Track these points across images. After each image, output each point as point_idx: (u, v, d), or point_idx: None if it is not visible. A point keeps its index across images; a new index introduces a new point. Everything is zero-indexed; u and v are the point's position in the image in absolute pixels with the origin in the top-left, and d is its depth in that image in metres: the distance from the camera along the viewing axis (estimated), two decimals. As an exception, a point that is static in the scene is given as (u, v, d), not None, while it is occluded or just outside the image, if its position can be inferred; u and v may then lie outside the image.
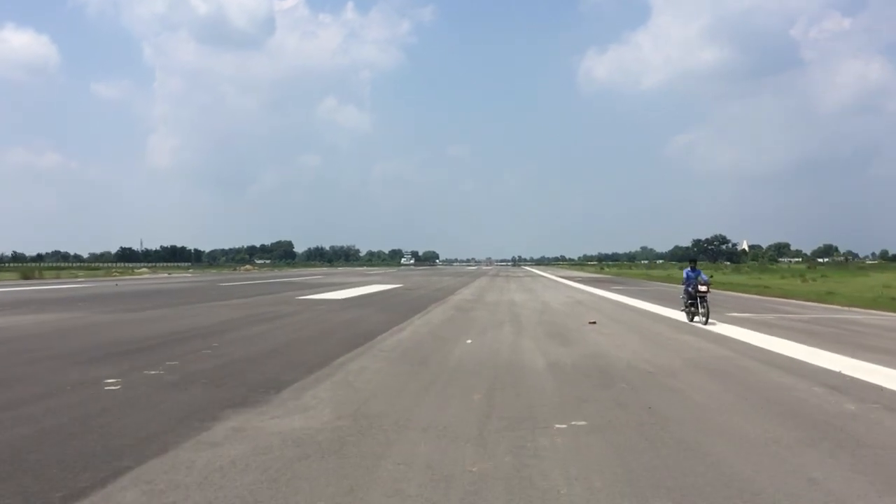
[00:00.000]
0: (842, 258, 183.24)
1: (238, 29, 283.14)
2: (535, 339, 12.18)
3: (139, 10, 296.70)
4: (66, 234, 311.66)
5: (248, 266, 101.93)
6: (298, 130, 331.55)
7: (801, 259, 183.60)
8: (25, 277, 51.58)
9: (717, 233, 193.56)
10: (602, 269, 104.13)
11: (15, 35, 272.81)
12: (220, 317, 16.21)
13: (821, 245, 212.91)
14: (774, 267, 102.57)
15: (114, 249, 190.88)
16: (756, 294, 28.54)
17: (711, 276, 18.03)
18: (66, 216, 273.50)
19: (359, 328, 13.76)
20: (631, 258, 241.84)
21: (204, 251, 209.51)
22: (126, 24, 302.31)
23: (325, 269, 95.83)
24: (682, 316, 16.34)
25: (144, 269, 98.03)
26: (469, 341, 11.50)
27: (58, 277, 54.79)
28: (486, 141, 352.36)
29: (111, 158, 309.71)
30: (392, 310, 18.93)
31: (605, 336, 12.68)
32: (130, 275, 67.71)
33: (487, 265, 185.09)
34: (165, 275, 71.55)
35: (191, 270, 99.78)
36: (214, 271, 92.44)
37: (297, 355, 9.87)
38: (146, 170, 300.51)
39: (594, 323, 15.03)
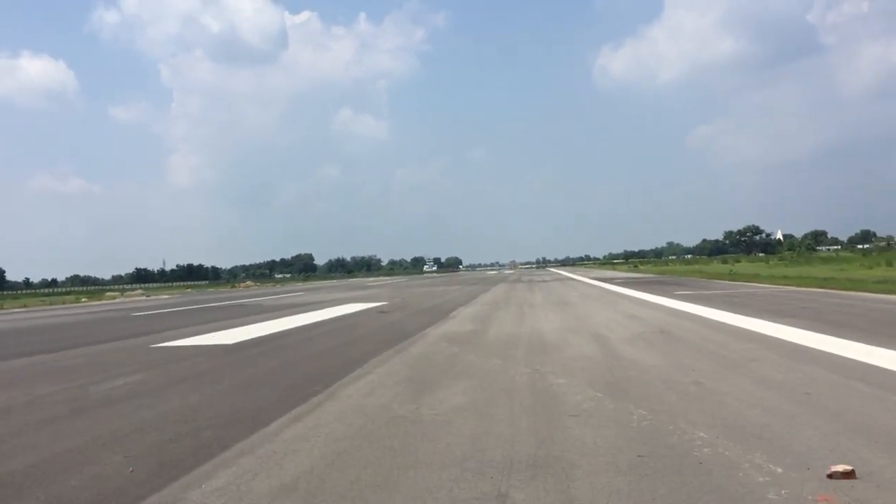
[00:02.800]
0: (883, 243, 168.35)
1: (251, 45, 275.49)
2: None
3: (152, 32, 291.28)
4: (91, 257, 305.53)
5: (247, 282, 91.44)
6: (317, 143, 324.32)
7: (840, 247, 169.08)
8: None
9: (747, 224, 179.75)
10: (636, 266, 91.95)
11: (31, 63, 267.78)
12: None
13: (857, 231, 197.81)
14: (826, 255, 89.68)
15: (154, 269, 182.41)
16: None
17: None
18: (91, 240, 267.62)
19: None
20: (658, 254, 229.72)
21: (222, 268, 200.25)
22: (141, 46, 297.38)
23: (327, 283, 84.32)
24: None
25: (139, 291, 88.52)
26: None
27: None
28: (505, 143, 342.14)
29: (133, 180, 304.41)
30: (257, 388, 7.85)
31: None
32: (100, 300, 57.67)
33: (511, 268, 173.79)
34: (144, 297, 61.80)
35: (190, 290, 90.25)
36: (212, 290, 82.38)
37: None
38: (168, 190, 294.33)
39: (848, 474, 3.97)
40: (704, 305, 17.25)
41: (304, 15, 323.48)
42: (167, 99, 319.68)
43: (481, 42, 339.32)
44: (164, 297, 57.67)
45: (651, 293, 24.79)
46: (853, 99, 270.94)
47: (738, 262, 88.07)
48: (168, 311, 26.93)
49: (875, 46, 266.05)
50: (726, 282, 32.12)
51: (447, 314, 18.22)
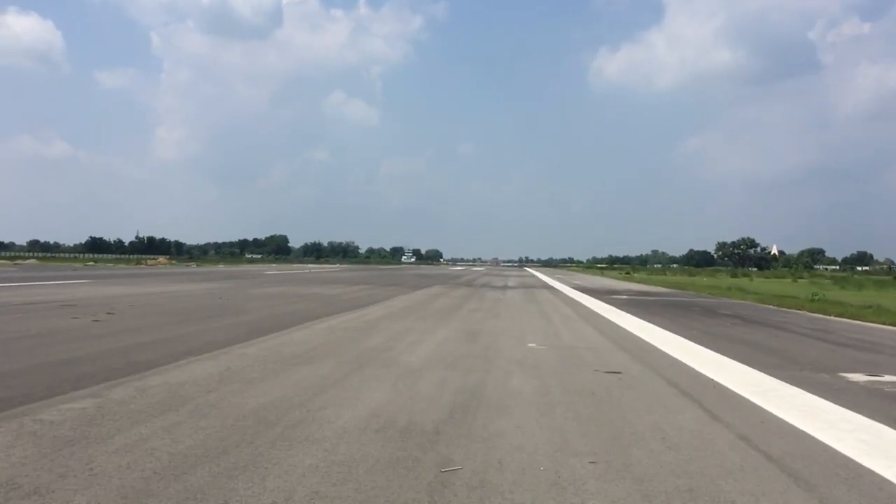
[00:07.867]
0: (884, 266, 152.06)
1: (245, 19, 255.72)
2: None
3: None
4: (63, 223, 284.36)
5: (160, 259, 72.93)
6: (306, 124, 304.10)
7: (837, 266, 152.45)
8: None
9: (741, 236, 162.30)
10: (628, 274, 74.13)
11: (18, 20, 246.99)
12: None
13: (854, 252, 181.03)
14: (830, 275, 72.57)
15: (111, 239, 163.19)
16: None
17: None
18: (65, 206, 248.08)
19: None
20: (643, 262, 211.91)
21: (190, 244, 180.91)
22: (132, 13, 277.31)
23: (245, 268, 65.31)
24: None
25: (33, 261, 70.38)
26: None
27: None
28: (494, 139, 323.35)
29: (116, 148, 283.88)
30: None
31: None
32: None
33: (494, 265, 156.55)
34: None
35: (92, 262, 71.89)
36: (111, 265, 64.26)
37: None
38: (151, 160, 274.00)
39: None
40: None
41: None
42: (157, 68, 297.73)
43: (477, 35, 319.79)
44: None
45: (790, 382, 7.12)
46: (849, 119, 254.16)
47: (747, 276, 70.72)
48: None
49: (874, 68, 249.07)
50: (849, 321, 14.48)
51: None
